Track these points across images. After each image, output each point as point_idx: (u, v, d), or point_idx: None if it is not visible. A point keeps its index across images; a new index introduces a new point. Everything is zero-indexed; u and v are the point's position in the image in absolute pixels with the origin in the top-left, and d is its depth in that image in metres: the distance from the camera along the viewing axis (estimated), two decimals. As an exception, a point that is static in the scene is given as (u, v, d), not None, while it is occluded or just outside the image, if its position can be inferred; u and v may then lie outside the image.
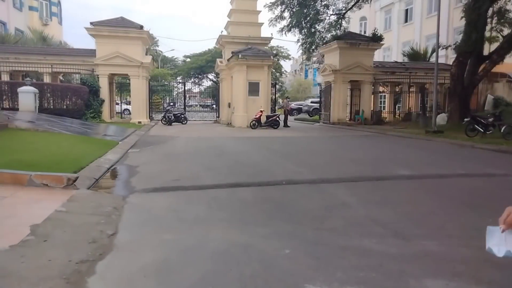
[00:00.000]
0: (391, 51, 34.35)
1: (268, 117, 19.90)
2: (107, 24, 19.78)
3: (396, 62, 26.04)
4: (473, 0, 16.49)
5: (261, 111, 19.64)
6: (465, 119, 14.12)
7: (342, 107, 22.56)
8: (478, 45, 16.90)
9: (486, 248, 1.39)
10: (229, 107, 22.64)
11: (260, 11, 24.00)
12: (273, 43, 32.07)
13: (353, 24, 33.68)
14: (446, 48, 20.40)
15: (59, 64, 19.35)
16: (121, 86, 26.21)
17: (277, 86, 31.41)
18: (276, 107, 27.68)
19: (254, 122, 19.29)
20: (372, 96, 23.14)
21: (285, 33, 21.79)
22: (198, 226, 3.90)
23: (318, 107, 28.30)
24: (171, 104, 32.21)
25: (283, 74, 51.17)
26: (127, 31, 19.76)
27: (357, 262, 3.00)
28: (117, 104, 27.57)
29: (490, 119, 13.61)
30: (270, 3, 21.06)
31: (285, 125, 21.09)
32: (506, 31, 17.89)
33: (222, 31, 24.03)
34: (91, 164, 6.71)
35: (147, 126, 19.08)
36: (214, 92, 30.24)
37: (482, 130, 13.33)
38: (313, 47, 22.80)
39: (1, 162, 5.72)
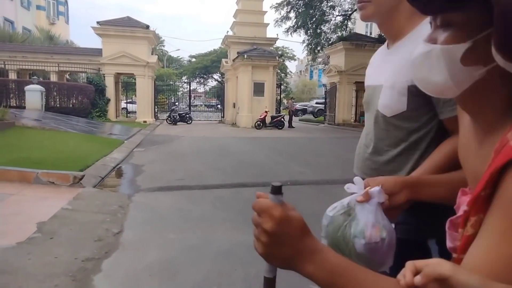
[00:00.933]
0: (397, 53, 34.14)
1: (273, 117, 19.90)
2: (114, 23, 19.88)
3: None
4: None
5: (266, 112, 19.64)
6: None
7: (347, 108, 22.49)
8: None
9: None
10: (234, 107, 22.67)
11: (266, 12, 24.01)
12: (278, 43, 32.10)
13: (358, 25, 33.50)
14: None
15: (65, 63, 19.48)
16: (127, 85, 26.27)
17: (282, 87, 31.39)
18: (281, 108, 27.66)
19: (259, 122, 19.29)
20: (378, 97, 23.03)
21: (290, 33, 21.77)
22: (202, 226, 3.91)
23: (323, 108, 28.23)
24: (175, 104, 32.25)
25: (288, 75, 51.09)
26: (134, 30, 19.85)
27: (361, 263, 2.99)
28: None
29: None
30: (276, 3, 21.06)
31: (290, 125, 21.08)
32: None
33: (227, 32, 24.08)
34: (97, 162, 6.75)
35: (153, 125, 19.15)
36: (219, 92, 30.28)
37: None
38: (319, 48, 22.74)
39: (8, 159, 5.77)
